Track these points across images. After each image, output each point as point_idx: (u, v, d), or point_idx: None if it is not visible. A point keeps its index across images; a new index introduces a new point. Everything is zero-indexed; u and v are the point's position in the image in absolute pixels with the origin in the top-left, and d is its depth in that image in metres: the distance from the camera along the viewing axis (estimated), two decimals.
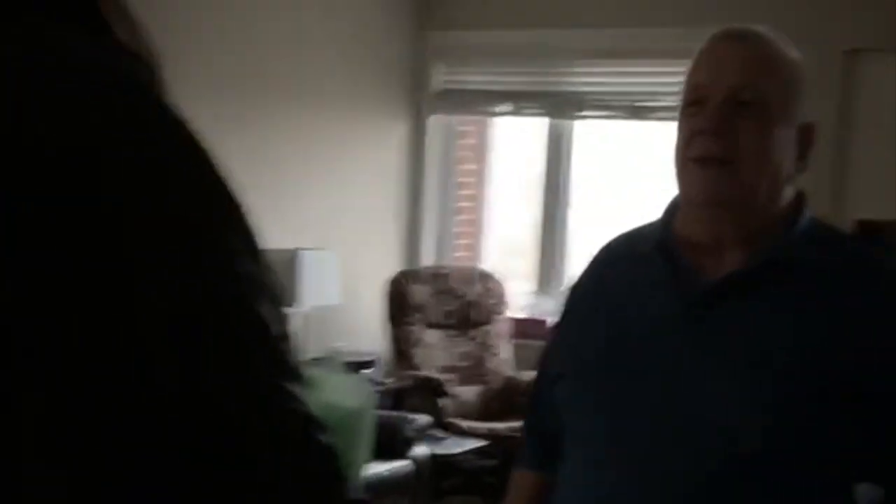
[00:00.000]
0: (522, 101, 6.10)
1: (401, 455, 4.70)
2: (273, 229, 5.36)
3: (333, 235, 5.43)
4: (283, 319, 0.74)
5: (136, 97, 0.69)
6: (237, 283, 0.68)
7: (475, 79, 6.17)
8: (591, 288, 1.71)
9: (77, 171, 0.60)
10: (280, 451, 0.66)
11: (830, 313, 1.51)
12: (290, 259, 5.08)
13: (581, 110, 5.93)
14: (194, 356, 0.63)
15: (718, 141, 1.52)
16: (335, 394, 0.97)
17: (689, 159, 1.55)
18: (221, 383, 0.64)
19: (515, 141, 6.60)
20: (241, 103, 5.22)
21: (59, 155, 0.60)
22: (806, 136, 1.58)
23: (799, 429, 1.48)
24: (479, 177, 6.56)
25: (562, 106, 5.96)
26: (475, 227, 6.55)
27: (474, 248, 6.51)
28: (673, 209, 1.65)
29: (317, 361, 1.00)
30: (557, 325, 1.75)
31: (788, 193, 1.59)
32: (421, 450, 4.80)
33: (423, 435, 4.85)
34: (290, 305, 5.08)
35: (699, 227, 1.60)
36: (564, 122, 6.02)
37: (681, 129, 1.57)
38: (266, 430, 0.65)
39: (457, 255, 6.36)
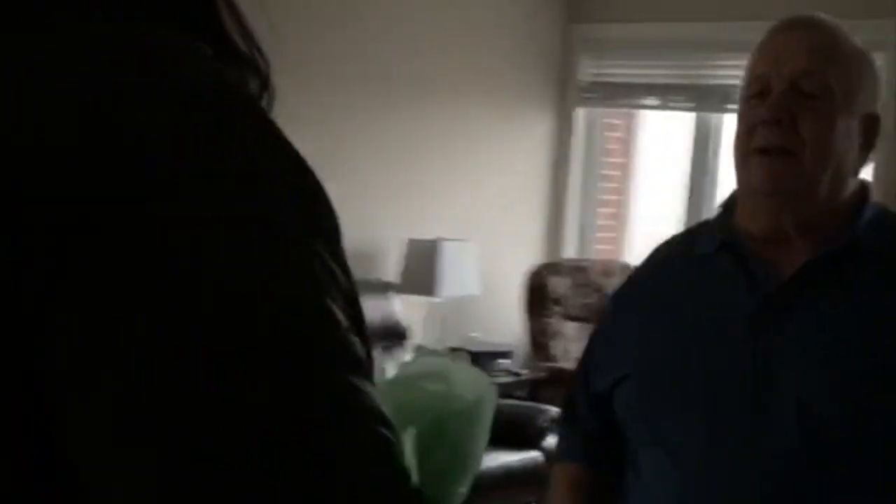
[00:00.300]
0: (669, 95, 6.05)
1: (532, 446, 4.75)
2: (416, 219, 5.53)
3: (475, 226, 5.50)
4: (359, 318, 0.73)
5: (220, 103, 0.64)
6: (309, 278, 0.65)
7: (621, 71, 6.15)
8: (648, 289, 1.70)
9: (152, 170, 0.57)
10: (340, 443, 0.60)
11: None
12: (431, 249, 5.17)
13: (728, 103, 5.85)
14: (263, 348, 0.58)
15: (781, 131, 1.52)
16: (456, 385, 1.01)
17: (751, 150, 1.55)
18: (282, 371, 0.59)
19: (663, 135, 6.55)
20: (385, 97, 5.35)
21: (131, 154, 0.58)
22: (870, 127, 1.56)
23: (886, 418, 1.47)
24: (625, 170, 6.54)
25: (709, 99, 5.89)
26: (619, 221, 6.54)
27: (617, 241, 6.50)
28: (730, 205, 1.64)
29: (442, 353, 1.03)
30: (605, 324, 1.74)
31: (853, 184, 1.58)
32: (553, 441, 4.83)
33: (555, 426, 4.89)
34: (430, 294, 5.18)
35: (761, 218, 1.58)
36: (711, 116, 5.95)
37: (742, 120, 1.57)
38: (329, 421, 0.60)
39: (599, 248, 6.36)
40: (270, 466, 0.56)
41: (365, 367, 0.67)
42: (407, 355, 1.07)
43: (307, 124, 4.97)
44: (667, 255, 1.72)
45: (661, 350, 1.63)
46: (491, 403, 1.09)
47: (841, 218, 1.56)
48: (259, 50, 0.79)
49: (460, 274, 5.16)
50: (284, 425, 0.57)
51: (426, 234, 5.29)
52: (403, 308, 5.15)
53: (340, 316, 0.65)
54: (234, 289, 0.57)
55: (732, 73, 5.80)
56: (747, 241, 1.59)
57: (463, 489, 1.06)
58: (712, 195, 5.96)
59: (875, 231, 1.56)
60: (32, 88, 0.59)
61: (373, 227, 5.32)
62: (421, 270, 5.18)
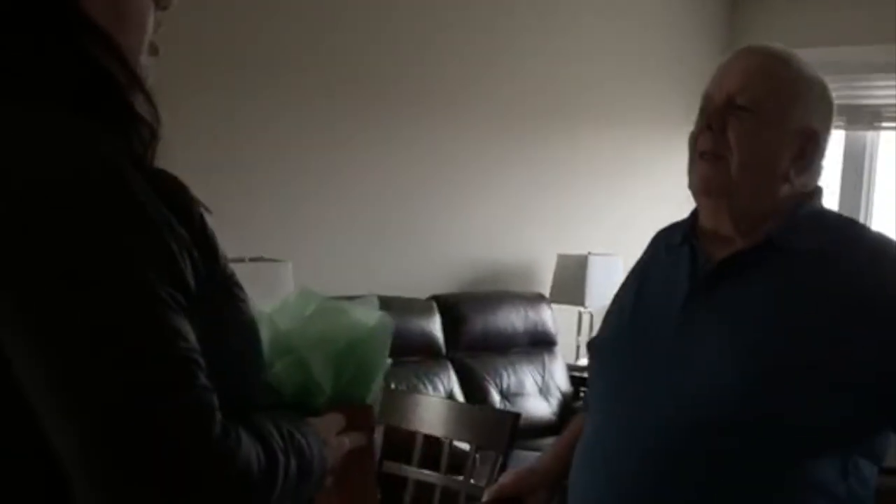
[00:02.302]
0: None
1: None
2: (566, 235, 5.78)
3: (623, 242, 5.73)
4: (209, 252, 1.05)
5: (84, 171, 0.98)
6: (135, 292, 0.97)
7: None
8: (638, 270, 1.93)
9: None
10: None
11: (812, 295, 1.67)
12: (581, 263, 5.44)
13: (879, 121, 5.92)
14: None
15: (713, 138, 1.73)
16: (359, 315, 1.28)
17: (692, 155, 1.77)
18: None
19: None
20: (538, 121, 5.65)
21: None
22: (806, 141, 1.74)
23: (763, 402, 1.63)
24: None
25: (859, 118, 5.96)
26: None
27: None
28: None
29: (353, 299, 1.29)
30: (616, 292, 1.97)
31: (786, 189, 1.74)
32: None
33: None
34: (579, 303, 5.44)
35: (706, 216, 1.80)
36: (863, 134, 6.02)
37: (692, 131, 1.79)
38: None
39: None
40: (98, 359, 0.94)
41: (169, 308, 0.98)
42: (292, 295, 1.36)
43: (465, 154, 5.32)
44: (658, 240, 1.94)
45: (616, 322, 1.89)
46: (387, 327, 1.39)
47: (779, 218, 1.74)
48: (154, 108, 1.10)
49: (608, 287, 5.40)
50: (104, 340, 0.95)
51: (577, 249, 5.55)
52: (554, 316, 5.42)
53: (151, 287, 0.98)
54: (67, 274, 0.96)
55: (882, 92, 5.89)
56: (700, 237, 1.80)
57: (369, 395, 1.38)
58: (864, 211, 6.01)
59: (793, 230, 1.73)
60: None
61: (528, 244, 5.63)
62: (570, 283, 5.46)
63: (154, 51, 1.14)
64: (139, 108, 1.08)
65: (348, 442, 1.27)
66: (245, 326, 1.11)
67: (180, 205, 1.04)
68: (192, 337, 0.98)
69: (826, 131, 1.79)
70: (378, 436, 2.63)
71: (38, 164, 0.97)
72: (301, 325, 1.34)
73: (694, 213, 1.85)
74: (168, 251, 0.99)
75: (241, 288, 1.11)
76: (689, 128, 1.80)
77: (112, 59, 1.06)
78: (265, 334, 1.21)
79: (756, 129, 1.72)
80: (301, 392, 1.30)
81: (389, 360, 1.38)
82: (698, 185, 1.77)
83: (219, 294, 1.07)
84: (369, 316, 1.38)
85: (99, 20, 1.06)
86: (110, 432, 0.93)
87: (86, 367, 0.94)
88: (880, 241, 1.77)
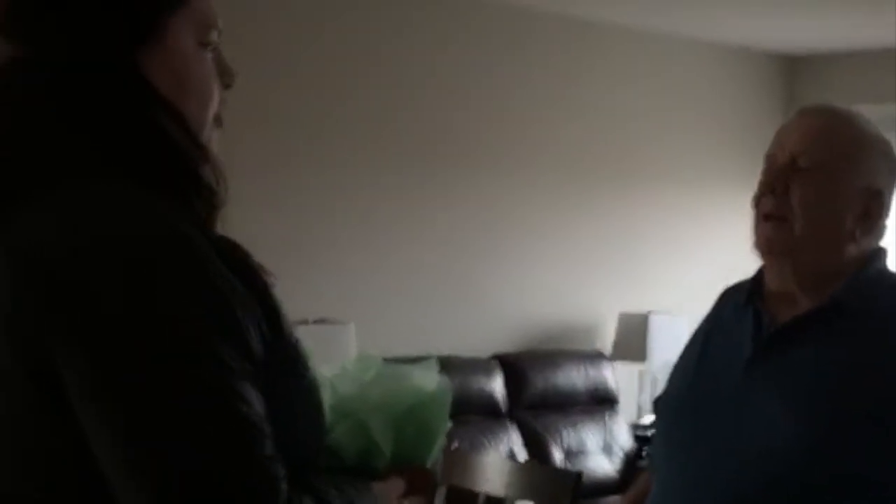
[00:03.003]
0: None
1: None
2: (628, 293, 5.74)
3: (686, 300, 5.69)
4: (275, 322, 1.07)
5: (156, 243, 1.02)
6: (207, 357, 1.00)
7: None
8: (704, 329, 1.90)
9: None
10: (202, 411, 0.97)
11: (878, 354, 1.67)
12: (643, 321, 5.42)
13: None
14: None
15: (775, 199, 1.72)
16: (418, 379, 1.28)
17: (756, 216, 1.76)
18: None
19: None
20: (598, 176, 5.69)
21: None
22: (870, 200, 1.73)
23: (823, 466, 1.62)
24: None
25: None
26: None
27: None
28: None
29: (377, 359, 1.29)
30: (682, 351, 1.94)
31: (853, 249, 1.73)
32: None
33: None
34: (640, 360, 5.41)
35: (771, 277, 1.78)
36: None
37: (755, 193, 1.78)
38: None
39: None
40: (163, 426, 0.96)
41: (237, 375, 1.01)
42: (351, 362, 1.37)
43: (526, 212, 5.35)
44: (724, 299, 1.92)
45: (680, 382, 1.88)
46: (447, 391, 1.39)
47: (843, 279, 1.72)
48: (220, 176, 1.13)
49: (670, 344, 5.36)
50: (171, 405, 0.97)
51: (639, 307, 5.53)
52: (615, 375, 5.39)
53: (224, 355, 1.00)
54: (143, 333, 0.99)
55: None
56: (764, 297, 1.78)
57: (430, 458, 1.38)
58: None
59: (857, 291, 1.71)
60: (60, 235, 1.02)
61: (590, 303, 5.62)
62: (632, 341, 5.43)
63: (218, 123, 1.17)
64: (205, 177, 1.11)
65: None
66: (309, 393, 1.13)
67: (245, 272, 1.06)
68: (259, 405, 1.00)
69: (890, 189, 1.78)
70: (439, 499, 2.63)
71: (111, 233, 1.01)
72: (361, 390, 1.35)
73: (759, 273, 1.84)
74: (235, 319, 1.01)
75: (305, 355, 1.13)
76: (753, 185, 1.81)
77: (178, 129, 1.10)
78: (326, 399, 1.23)
79: (819, 191, 1.72)
80: (361, 456, 1.31)
81: (450, 423, 1.39)
82: (762, 247, 1.77)
83: (284, 361, 1.08)
84: (429, 380, 1.39)
85: (164, 92, 1.10)
86: (177, 500, 0.95)
87: (154, 434, 0.96)
88: None
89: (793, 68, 6.46)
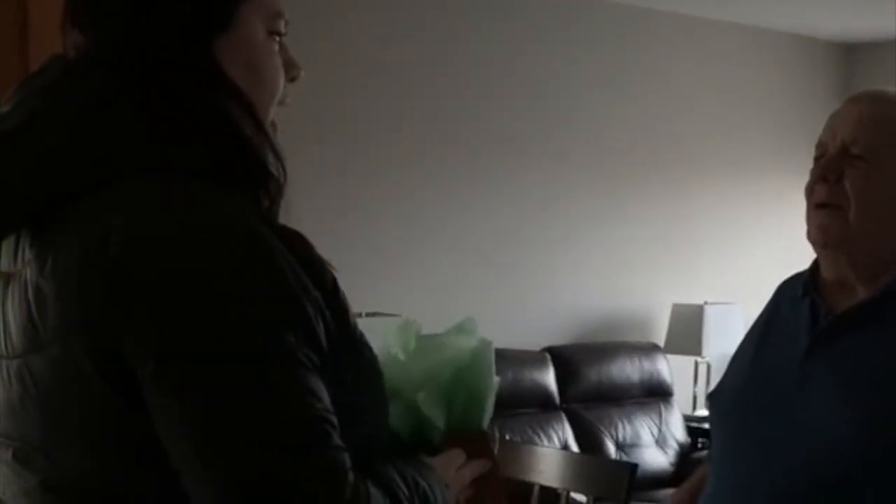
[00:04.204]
0: None
1: None
2: (681, 284, 5.70)
3: (740, 291, 5.65)
4: (340, 316, 1.07)
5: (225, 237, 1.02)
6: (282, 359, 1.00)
7: None
8: (761, 322, 1.88)
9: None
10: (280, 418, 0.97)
11: None
12: (697, 312, 5.38)
13: None
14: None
15: (828, 188, 1.69)
16: (458, 343, 1.26)
17: (809, 206, 1.73)
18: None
19: None
20: (650, 167, 5.64)
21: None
22: None
23: (881, 461, 1.58)
24: None
25: None
26: None
27: None
28: None
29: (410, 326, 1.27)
30: (739, 343, 1.92)
31: None
32: None
33: None
34: (695, 353, 5.37)
35: (826, 267, 1.75)
36: None
37: (808, 182, 1.75)
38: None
39: None
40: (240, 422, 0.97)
41: (309, 368, 1.02)
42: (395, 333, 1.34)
43: (579, 203, 5.33)
44: (782, 292, 1.90)
45: (736, 374, 1.86)
46: (489, 347, 1.37)
47: None
48: (283, 165, 1.14)
49: (725, 335, 5.32)
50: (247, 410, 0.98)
51: (692, 299, 5.49)
52: (669, 366, 5.36)
53: (291, 342, 1.01)
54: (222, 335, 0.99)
55: None
56: (821, 288, 1.76)
57: (484, 420, 1.36)
58: None
59: None
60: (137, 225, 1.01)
61: (643, 294, 5.59)
62: (686, 332, 5.39)
63: (282, 105, 1.17)
64: (270, 166, 1.11)
65: (469, 474, 1.28)
66: (374, 383, 1.14)
67: (312, 265, 1.07)
68: (326, 397, 1.01)
69: None
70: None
71: (180, 228, 1.01)
72: (405, 366, 1.35)
73: (815, 264, 1.82)
74: (304, 312, 1.01)
75: (369, 346, 1.14)
76: (808, 173, 1.78)
77: (248, 120, 1.10)
78: None
79: (873, 178, 1.69)
80: (415, 433, 1.31)
81: (497, 379, 1.38)
82: (816, 237, 1.74)
83: (349, 353, 1.09)
84: (468, 341, 1.38)
85: (237, 80, 1.10)
86: (247, 492, 0.96)
87: (225, 429, 0.97)
88: None
89: (849, 55, 6.37)
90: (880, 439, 1.60)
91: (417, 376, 1.33)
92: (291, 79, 1.18)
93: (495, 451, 1.38)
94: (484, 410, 1.37)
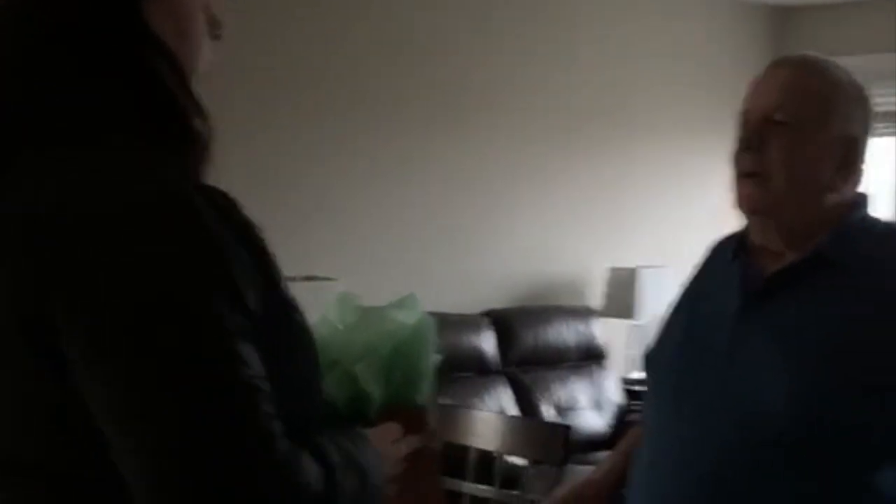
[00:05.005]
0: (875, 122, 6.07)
1: None
2: (616, 248, 5.74)
3: (673, 253, 5.70)
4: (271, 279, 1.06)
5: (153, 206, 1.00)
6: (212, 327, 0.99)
7: None
8: (692, 283, 1.90)
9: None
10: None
11: (867, 305, 1.64)
12: (631, 276, 5.42)
13: None
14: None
15: (752, 157, 1.71)
16: (400, 316, 1.27)
17: (735, 175, 1.75)
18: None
19: (879, 162, 6.56)
20: (584, 132, 5.66)
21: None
22: (848, 148, 1.71)
23: (815, 419, 1.60)
24: None
25: None
26: None
27: None
28: None
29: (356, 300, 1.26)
30: (669, 308, 1.94)
31: (833, 199, 1.71)
32: None
33: None
34: (629, 317, 5.42)
35: (754, 233, 1.77)
36: None
37: (732, 150, 1.77)
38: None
39: None
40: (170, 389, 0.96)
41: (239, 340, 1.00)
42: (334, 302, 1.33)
43: (515, 169, 5.34)
44: (713, 253, 1.92)
45: (670, 336, 1.87)
46: (430, 324, 1.38)
47: (826, 229, 1.71)
48: (209, 126, 1.12)
49: (658, 298, 5.37)
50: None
51: (627, 262, 5.54)
52: (605, 330, 5.41)
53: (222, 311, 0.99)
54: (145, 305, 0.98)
55: None
56: (751, 251, 1.78)
57: (421, 396, 1.37)
58: None
59: (841, 241, 1.70)
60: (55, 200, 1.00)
61: (579, 258, 5.62)
62: (621, 296, 5.44)
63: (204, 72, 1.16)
64: (197, 125, 1.10)
65: (404, 448, 1.28)
66: (305, 348, 1.13)
67: (241, 228, 1.05)
68: (257, 363, 1.00)
69: (866, 135, 1.76)
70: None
71: (108, 199, 0.99)
72: (344, 337, 1.34)
73: (745, 228, 1.84)
74: (231, 277, 1.00)
75: (300, 310, 1.12)
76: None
77: (175, 78, 1.08)
78: None
79: (796, 144, 1.70)
80: (351, 404, 1.31)
81: (438, 356, 1.38)
82: (744, 206, 1.76)
83: (280, 317, 1.08)
84: (410, 317, 1.38)
85: (164, 37, 1.08)
86: (173, 459, 0.95)
87: (152, 395, 0.96)
88: None
89: (783, 19, 6.42)
90: (810, 399, 1.62)
91: (357, 347, 1.33)
92: (215, 37, 1.16)
93: (433, 427, 1.38)
94: (422, 386, 1.37)
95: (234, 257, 1.01)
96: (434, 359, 1.37)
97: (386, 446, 1.24)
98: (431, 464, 1.39)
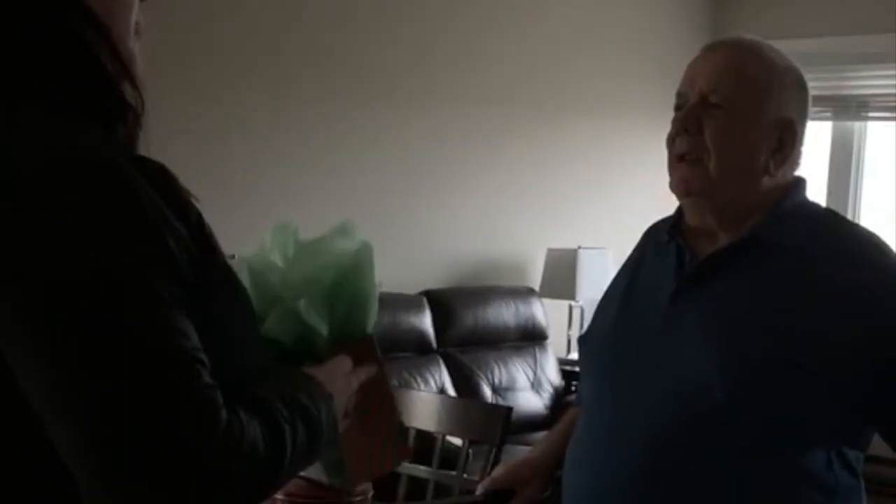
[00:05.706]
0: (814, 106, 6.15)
1: None
2: (555, 229, 5.76)
3: (612, 235, 5.74)
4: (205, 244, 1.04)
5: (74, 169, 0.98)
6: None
7: None
8: (628, 266, 1.92)
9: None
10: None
11: (792, 292, 1.66)
12: (570, 257, 5.44)
13: (866, 111, 5.94)
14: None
15: (689, 140, 1.72)
16: (338, 245, 1.25)
17: (671, 157, 1.76)
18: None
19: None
20: (523, 112, 5.65)
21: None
22: (783, 131, 1.72)
23: (745, 398, 1.62)
24: None
25: (847, 108, 5.98)
26: None
27: None
28: None
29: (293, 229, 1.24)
30: (605, 291, 1.96)
31: (770, 183, 1.73)
32: None
33: None
34: (569, 297, 5.45)
35: (690, 215, 1.79)
36: (850, 125, 6.04)
37: (669, 132, 1.78)
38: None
39: None
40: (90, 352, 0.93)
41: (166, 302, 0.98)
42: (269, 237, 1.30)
43: (453, 150, 5.32)
44: (649, 236, 1.93)
45: (605, 318, 1.89)
46: (370, 250, 1.36)
47: (762, 212, 1.73)
48: (140, 96, 1.09)
49: (599, 279, 5.41)
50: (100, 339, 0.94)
51: (566, 243, 5.56)
52: (544, 310, 5.43)
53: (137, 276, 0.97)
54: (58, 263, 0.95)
55: (870, 82, 5.91)
56: (685, 234, 1.80)
57: (368, 324, 1.36)
58: (852, 202, 6.02)
59: (776, 225, 1.71)
60: None
61: (518, 239, 5.63)
62: (561, 277, 5.46)
63: (138, 35, 1.13)
64: (127, 96, 1.07)
65: (356, 380, 1.27)
66: (244, 315, 1.11)
67: (176, 198, 1.03)
68: (193, 335, 0.98)
69: (802, 119, 1.77)
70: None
71: (35, 166, 0.97)
72: (284, 272, 1.32)
73: (679, 210, 1.85)
74: (166, 247, 0.98)
75: (237, 278, 1.11)
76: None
77: (103, 46, 1.06)
78: (248, 285, 1.20)
79: (732, 127, 1.71)
80: (298, 341, 1.28)
81: (380, 280, 1.36)
82: (679, 188, 1.77)
83: (217, 286, 1.06)
84: (349, 244, 1.36)
85: (91, 3, 1.06)
86: (114, 434, 0.93)
87: (89, 369, 0.93)
88: (860, 236, 1.76)
89: (721, 1, 6.46)
90: (742, 373, 1.64)
91: (297, 282, 1.29)
92: None
93: (380, 354, 1.36)
94: (368, 314, 1.35)
95: (168, 227, 0.99)
96: (377, 283, 1.35)
97: (337, 381, 1.22)
98: (384, 389, 1.38)
